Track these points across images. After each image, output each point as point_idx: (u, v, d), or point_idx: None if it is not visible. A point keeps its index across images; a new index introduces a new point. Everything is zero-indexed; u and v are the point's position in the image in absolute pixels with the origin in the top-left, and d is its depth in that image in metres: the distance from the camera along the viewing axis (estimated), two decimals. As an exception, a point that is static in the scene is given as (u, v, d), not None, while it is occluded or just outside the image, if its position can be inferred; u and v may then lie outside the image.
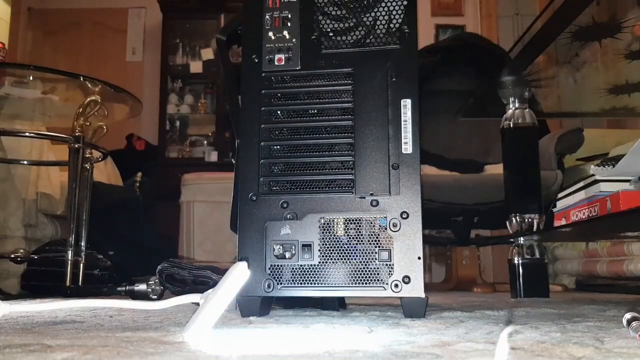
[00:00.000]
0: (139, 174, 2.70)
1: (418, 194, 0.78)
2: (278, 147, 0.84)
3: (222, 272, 0.90)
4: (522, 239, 1.51)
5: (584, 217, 1.22)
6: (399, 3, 0.84)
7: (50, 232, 2.08)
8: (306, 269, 0.78)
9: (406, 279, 0.76)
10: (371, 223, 0.79)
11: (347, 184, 0.81)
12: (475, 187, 2.05)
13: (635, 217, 0.99)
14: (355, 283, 0.77)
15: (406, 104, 0.81)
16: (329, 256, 0.78)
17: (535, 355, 0.42)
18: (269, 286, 0.78)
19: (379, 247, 0.78)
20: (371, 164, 0.80)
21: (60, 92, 1.78)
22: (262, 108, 0.84)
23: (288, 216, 0.80)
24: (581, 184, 1.25)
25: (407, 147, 0.80)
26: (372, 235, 0.78)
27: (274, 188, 0.82)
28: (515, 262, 1.51)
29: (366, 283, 0.77)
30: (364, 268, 0.77)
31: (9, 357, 0.41)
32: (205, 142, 4.00)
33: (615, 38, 1.20)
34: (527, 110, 1.56)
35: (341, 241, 0.79)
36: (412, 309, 0.77)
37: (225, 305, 0.60)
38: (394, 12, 0.83)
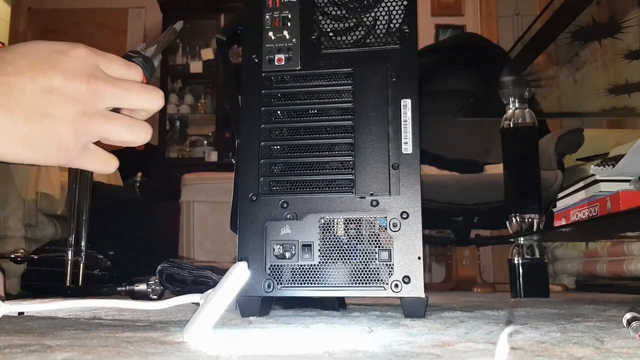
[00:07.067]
0: (139, 174, 2.70)
1: (418, 194, 0.78)
2: (278, 147, 0.84)
3: (222, 272, 0.90)
4: (522, 239, 1.51)
5: (584, 217, 1.22)
6: (399, 3, 0.84)
7: (50, 232, 2.08)
8: (306, 269, 0.78)
9: (406, 279, 0.76)
10: (371, 223, 0.79)
11: (347, 184, 0.81)
12: (475, 187, 2.05)
13: (635, 217, 0.99)
14: (355, 283, 0.77)
15: (406, 104, 0.81)
16: (329, 256, 0.78)
17: (535, 355, 0.42)
18: (269, 286, 0.78)
19: (379, 247, 0.78)
20: (371, 164, 0.80)
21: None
22: (262, 108, 0.84)
23: (288, 216, 0.80)
24: (581, 184, 1.25)
25: (407, 147, 0.80)
26: (372, 235, 0.78)
27: (274, 188, 0.82)
28: (515, 262, 1.51)
29: (366, 283, 0.77)
30: (364, 268, 0.77)
31: (9, 357, 0.41)
32: (205, 142, 4.00)
33: (615, 38, 1.20)
34: (527, 110, 1.56)
35: (341, 241, 0.79)
36: (412, 309, 0.77)
37: (225, 305, 0.60)
38: (394, 12, 0.83)
